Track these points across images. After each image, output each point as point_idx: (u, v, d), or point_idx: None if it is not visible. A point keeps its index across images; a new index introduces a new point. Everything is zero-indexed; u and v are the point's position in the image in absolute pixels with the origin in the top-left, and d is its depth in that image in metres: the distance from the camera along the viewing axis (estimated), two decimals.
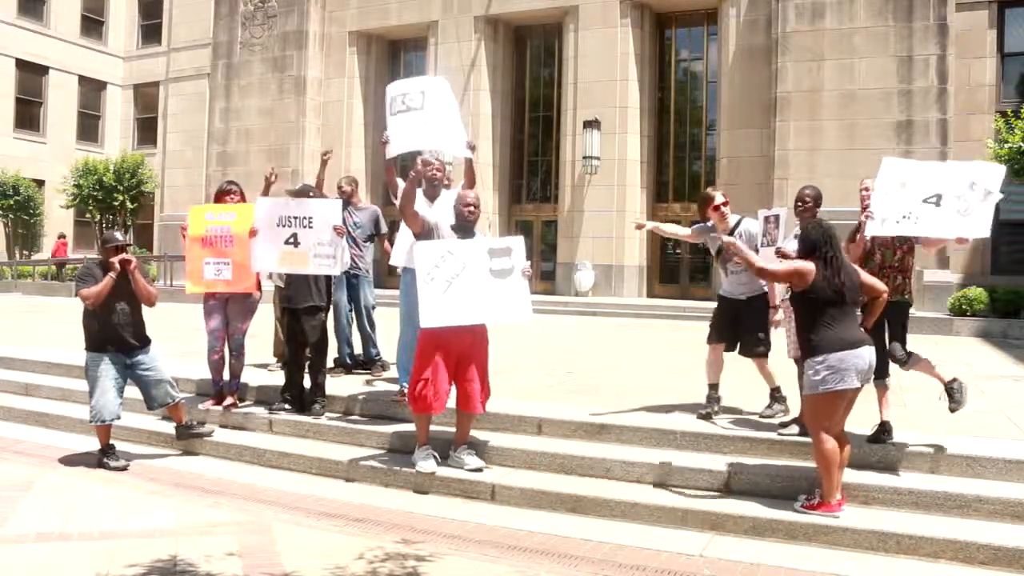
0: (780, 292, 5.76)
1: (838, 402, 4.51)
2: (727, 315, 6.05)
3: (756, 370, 6.01)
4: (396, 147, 6.13)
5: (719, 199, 6.00)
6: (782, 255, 5.34)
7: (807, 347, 4.59)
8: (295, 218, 6.30)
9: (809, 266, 4.55)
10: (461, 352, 5.36)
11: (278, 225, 6.32)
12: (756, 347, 5.95)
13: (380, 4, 22.58)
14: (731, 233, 5.91)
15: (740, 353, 6.03)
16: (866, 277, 4.81)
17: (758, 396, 6.20)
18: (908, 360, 5.22)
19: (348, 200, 7.60)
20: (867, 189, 5.28)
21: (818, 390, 4.49)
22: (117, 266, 5.76)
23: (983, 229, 5.01)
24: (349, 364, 7.79)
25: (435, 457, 5.42)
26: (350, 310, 7.67)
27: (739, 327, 5.98)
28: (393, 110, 6.16)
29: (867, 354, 4.54)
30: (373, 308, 7.75)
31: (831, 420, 4.53)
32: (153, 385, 6.06)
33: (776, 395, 5.95)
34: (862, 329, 4.72)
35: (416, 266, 5.25)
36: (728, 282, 6.09)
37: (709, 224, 6.15)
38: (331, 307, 7.00)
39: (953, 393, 5.15)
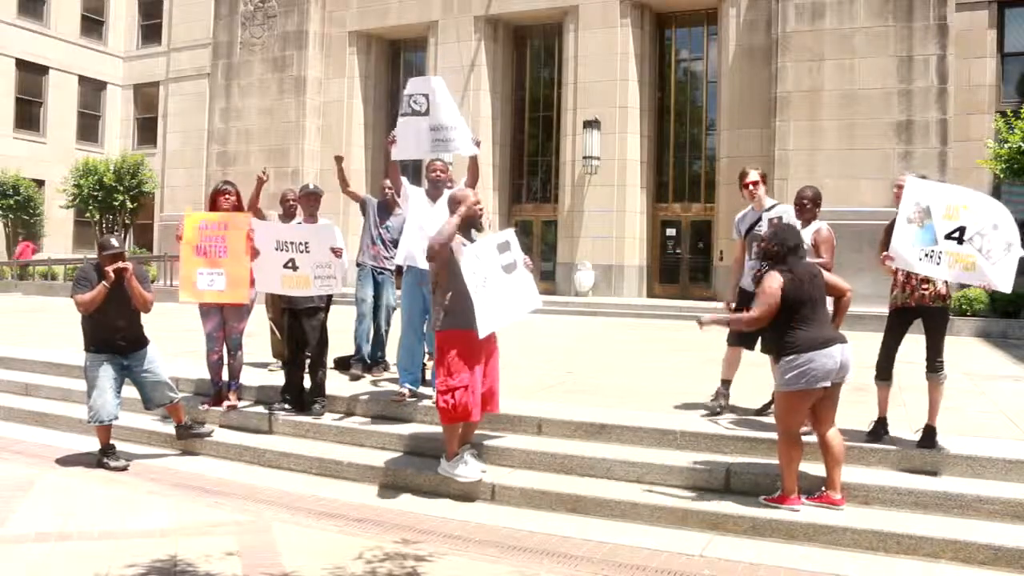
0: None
1: (805, 401, 4.58)
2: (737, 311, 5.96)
3: (763, 369, 5.99)
4: (401, 152, 6.19)
5: (752, 176, 5.91)
6: None
7: (779, 347, 4.63)
8: (291, 243, 6.28)
9: (772, 289, 4.57)
10: (487, 354, 5.31)
11: (276, 249, 6.31)
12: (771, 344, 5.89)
13: (380, 4, 22.58)
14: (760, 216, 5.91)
15: (762, 350, 5.93)
16: (829, 277, 4.89)
17: (758, 396, 6.20)
18: (940, 373, 5.08)
19: (385, 200, 7.56)
20: (900, 187, 5.09)
21: (785, 388, 4.56)
22: (112, 276, 5.70)
23: (1006, 284, 4.87)
24: (368, 363, 7.64)
25: (476, 459, 5.36)
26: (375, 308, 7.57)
27: None
28: (402, 111, 6.23)
29: (837, 353, 4.56)
30: (394, 309, 7.69)
31: (797, 418, 4.61)
32: (151, 386, 6.05)
33: None
34: (833, 326, 4.78)
35: (465, 274, 5.06)
36: (747, 270, 5.93)
37: (738, 217, 6.14)
38: (330, 307, 6.97)
39: (930, 437, 5.02)
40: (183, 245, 6.48)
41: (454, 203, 5.38)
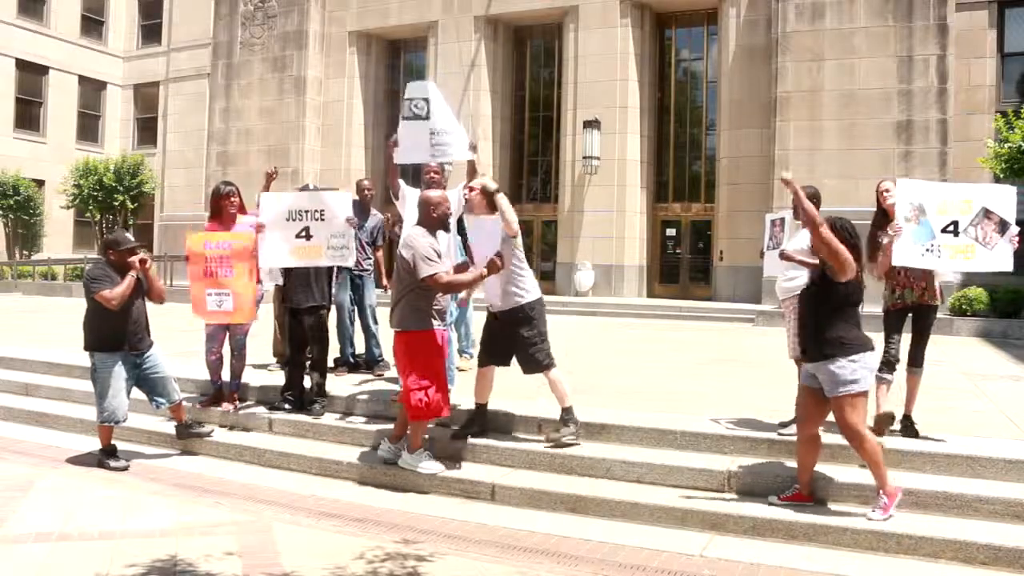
0: (784, 288, 5.61)
1: (866, 400, 4.57)
2: (490, 329, 5.68)
3: (756, 370, 6.00)
4: (403, 157, 6.24)
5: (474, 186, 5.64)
6: (786, 257, 5.32)
7: (835, 346, 4.48)
8: (306, 211, 6.33)
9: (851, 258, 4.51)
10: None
11: (288, 219, 6.35)
12: (529, 364, 5.55)
13: (380, 4, 22.59)
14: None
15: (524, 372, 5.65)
16: None
17: (757, 398, 6.20)
18: (921, 368, 5.20)
19: (365, 201, 7.64)
20: (887, 191, 5.35)
21: (854, 390, 4.46)
22: (138, 265, 5.83)
23: (1007, 264, 5.08)
24: (352, 363, 7.83)
25: (433, 457, 5.42)
26: (353, 310, 7.74)
27: (507, 342, 5.58)
28: (404, 114, 6.27)
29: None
30: (376, 306, 7.82)
31: (865, 417, 4.55)
32: (160, 383, 6.09)
33: (566, 416, 5.53)
34: None
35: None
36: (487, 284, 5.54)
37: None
38: (331, 307, 6.99)
39: (909, 427, 5.13)
40: (190, 266, 6.51)
41: (426, 204, 5.44)
